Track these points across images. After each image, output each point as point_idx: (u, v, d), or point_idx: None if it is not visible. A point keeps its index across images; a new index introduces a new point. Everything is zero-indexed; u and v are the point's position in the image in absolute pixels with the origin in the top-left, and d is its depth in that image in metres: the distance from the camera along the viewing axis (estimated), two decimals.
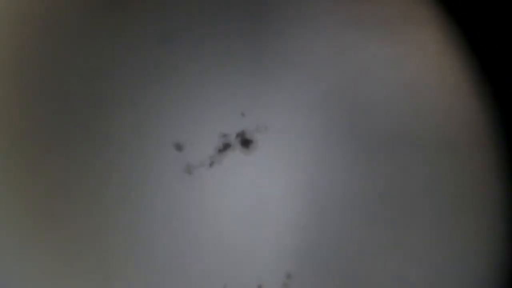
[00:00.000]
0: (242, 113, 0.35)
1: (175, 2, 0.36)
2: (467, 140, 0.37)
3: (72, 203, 0.34)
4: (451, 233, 0.36)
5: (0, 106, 0.34)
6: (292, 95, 0.36)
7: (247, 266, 0.34)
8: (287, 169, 0.35)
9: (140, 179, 0.34)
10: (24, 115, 0.34)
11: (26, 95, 0.35)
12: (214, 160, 0.35)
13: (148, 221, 0.34)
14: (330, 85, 0.37)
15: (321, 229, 0.35)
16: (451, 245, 0.36)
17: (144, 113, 0.35)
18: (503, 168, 0.38)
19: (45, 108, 0.34)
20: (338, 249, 0.35)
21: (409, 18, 0.39)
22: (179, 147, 0.34)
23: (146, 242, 0.33)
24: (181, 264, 0.33)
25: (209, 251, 0.34)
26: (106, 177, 0.34)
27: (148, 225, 0.34)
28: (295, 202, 0.35)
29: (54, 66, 0.35)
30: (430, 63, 0.38)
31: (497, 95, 0.39)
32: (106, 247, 0.33)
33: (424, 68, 0.38)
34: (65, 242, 0.33)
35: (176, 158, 0.34)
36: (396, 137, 0.36)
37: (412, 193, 0.36)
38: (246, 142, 0.35)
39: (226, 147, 0.35)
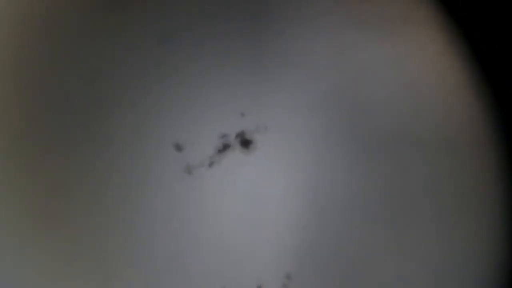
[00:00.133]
0: (242, 113, 0.35)
1: (175, 2, 0.36)
2: (467, 140, 0.37)
3: (72, 203, 0.34)
4: (451, 233, 0.36)
5: (0, 106, 0.34)
6: (292, 95, 0.36)
7: (247, 266, 0.34)
8: (287, 169, 0.35)
9: (140, 179, 0.34)
10: (24, 115, 0.34)
11: (26, 95, 0.35)
12: (213, 160, 0.35)
13: (148, 221, 0.34)
14: (330, 85, 0.37)
15: (321, 229, 0.35)
16: (451, 245, 0.36)
17: (144, 113, 0.35)
18: (503, 168, 0.38)
19: (45, 108, 0.35)
20: (338, 249, 0.35)
21: (409, 18, 0.39)
22: (178, 147, 0.34)
23: (145, 242, 0.33)
24: (181, 264, 0.34)
25: (208, 251, 0.34)
26: (106, 177, 0.34)
27: (148, 225, 0.34)
28: (295, 202, 0.35)
29: (54, 66, 0.35)
30: (430, 63, 0.38)
31: (497, 95, 0.39)
32: (106, 247, 0.33)
33: (424, 68, 0.38)
34: (65, 242, 0.33)
35: (175, 158, 0.34)
36: (396, 137, 0.36)
37: (412, 193, 0.36)
38: (245, 143, 0.35)
39: (225, 147, 0.35)
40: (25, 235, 0.33)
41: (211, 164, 0.35)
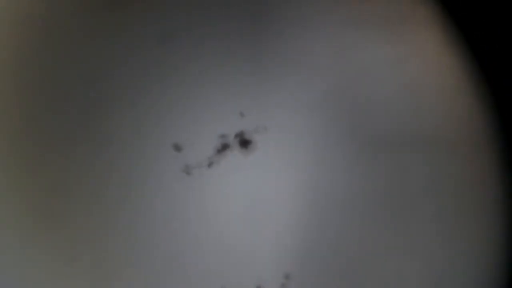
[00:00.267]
0: (241, 113, 0.35)
1: (175, 2, 0.36)
2: (467, 140, 0.37)
3: (72, 203, 0.34)
4: (451, 233, 0.36)
5: (0, 106, 0.34)
6: (292, 95, 0.36)
7: (246, 266, 0.34)
8: (286, 169, 0.35)
9: (140, 179, 0.34)
10: (24, 115, 0.34)
11: (26, 95, 0.35)
12: (213, 160, 0.35)
13: (148, 221, 0.34)
14: (330, 85, 0.36)
15: (321, 229, 0.35)
16: (451, 245, 0.36)
17: (144, 113, 0.35)
18: (503, 168, 0.38)
19: (45, 108, 0.35)
20: (337, 249, 0.35)
21: (409, 18, 0.39)
22: (178, 147, 0.34)
23: (145, 242, 0.34)
24: (180, 264, 0.34)
25: (208, 251, 0.34)
26: (106, 177, 0.34)
27: (147, 225, 0.34)
28: (294, 202, 0.35)
29: (54, 66, 0.35)
30: (430, 63, 0.38)
31: (497, 95, 0.39)
32: (106, 247, 0.33)
33: (424, 68, 0.38)
34: (65, 242, 0.33)
35: (175, 159, 0.34)
36: (396, 137, 0.36)
37: (412, 193, 0.36)
38: (245, 143, 0.35)
39: (224, 147, 0.35)
40: (25, 235, 0.33)
41: (210, 165, 0.35)
